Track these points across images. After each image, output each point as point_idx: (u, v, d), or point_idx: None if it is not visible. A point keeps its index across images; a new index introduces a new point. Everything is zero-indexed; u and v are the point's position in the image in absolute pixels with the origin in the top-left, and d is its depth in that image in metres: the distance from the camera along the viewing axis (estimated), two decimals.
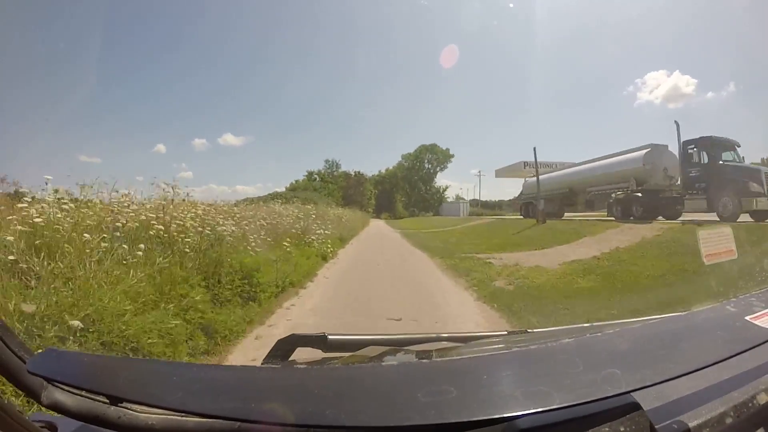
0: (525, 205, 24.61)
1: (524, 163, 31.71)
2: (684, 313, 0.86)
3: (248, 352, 3.67)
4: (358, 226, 23.35)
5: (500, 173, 38.87)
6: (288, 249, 7.65)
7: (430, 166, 63.89)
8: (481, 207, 52.97)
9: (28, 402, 1.58)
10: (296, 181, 45.97)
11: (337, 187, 47.22)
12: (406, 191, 61.51)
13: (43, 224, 3.56)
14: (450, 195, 65.20)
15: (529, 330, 1.08)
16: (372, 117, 70.67)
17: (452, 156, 63.14)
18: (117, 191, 5.07)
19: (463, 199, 63.36)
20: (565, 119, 71.79)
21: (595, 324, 1.00)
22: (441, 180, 66.94)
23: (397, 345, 0.87)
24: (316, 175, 52.15)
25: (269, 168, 70.58)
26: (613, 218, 14.87)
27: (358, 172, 54.66)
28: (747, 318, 0.68)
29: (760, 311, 0.70)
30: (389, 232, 24.08)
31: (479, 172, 63.75)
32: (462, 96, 71.64)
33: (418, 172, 62.76)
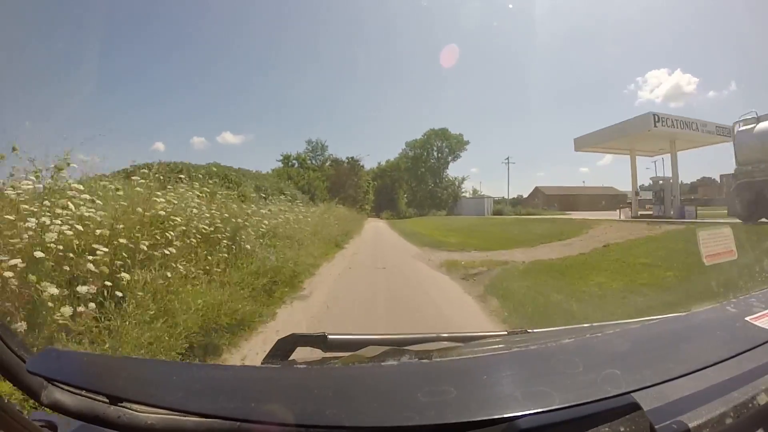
0: (754, 186, 10.50)
1: (655, 116, 15.86)
2: (684, 313, 0.86)
3: None
4: (327, 249, 9.88)
5: (587, 142, 19.99)
6: None
7: (440, 155, 51.64)
8: (509, 204, 44.56)
9: (28, 401, 1.58)
10: (272, 170, 33.82)
11: (322, 176, 36.34)
12: (411, 186, 50.49)
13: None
14: (466, 188, 52.65)
15: (529, 330, 1.07)
16: (373, 116, 69.57)
17: (467, 143, 51.01)
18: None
19: (478, 193, 51.93)
20: (564, 118, 71.13)
21: (595, 324, 1.00)
22: (453, 171, 53.52)
23: (397, 345, 0.87)
24: (294, 160, 39.52)
25: (268, 167, 69.68)
26: None
27: (353, 158, 41.27)
28: (747, 319, 0.68)
29: (759, 312, 0.70)
30: (416, 262, 8.77)
31: (507, 159, 50.08)
32: (459, 95, 70.99)
33: (425, 162, 51.00)
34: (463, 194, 51.48)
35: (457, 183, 52.08)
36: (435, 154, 51.88)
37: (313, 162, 41.67)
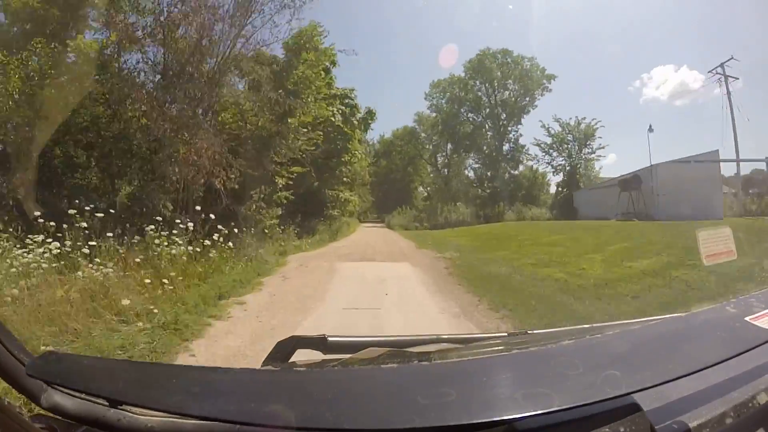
0: None
1: None
2: (684, 314, 0.86)
3: None
4: None
5: None
6: None
7: (507, 96, 23.11)
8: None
9: (27, 405, 1.57)
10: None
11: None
12: (436, 164, 25.57)
13: None
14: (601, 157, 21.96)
15: (529, 331, 1.07)
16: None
17: (552, 77, 22.61)
18: None
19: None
20: (567, 116, 68.11)
21: (595, 325, 1.00)
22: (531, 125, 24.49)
23: (397, 347, 0.87)
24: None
25: None
26: None
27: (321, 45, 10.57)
28: (747, 319, 0.68)
29: (759, 312, 0.70)
30: None
31: (726, 62, 15.34)
32: None
33: (474, 113, 23.36)
34: (594, 169, 22.50)
35: (579, 139, 21.50)
36: (495, 96, 23.03)
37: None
